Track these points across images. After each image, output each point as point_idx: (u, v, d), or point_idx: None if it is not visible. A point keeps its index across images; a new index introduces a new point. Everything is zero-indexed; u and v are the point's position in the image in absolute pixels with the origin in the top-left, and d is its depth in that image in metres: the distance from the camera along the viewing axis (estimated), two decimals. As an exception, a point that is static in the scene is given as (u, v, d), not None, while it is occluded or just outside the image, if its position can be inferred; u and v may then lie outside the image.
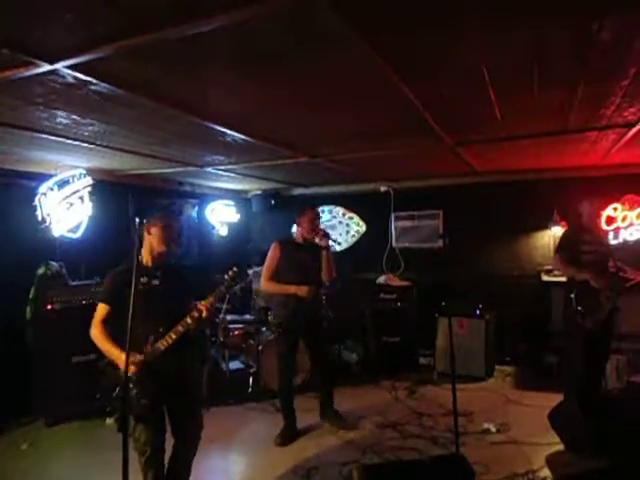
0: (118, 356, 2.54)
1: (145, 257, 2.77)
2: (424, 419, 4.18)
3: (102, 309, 2.70)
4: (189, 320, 2.64)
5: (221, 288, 2.81)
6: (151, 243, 2.74)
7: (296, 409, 4.08)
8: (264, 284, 4.04)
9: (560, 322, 4.46)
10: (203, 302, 2.71)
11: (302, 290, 3.85)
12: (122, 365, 2.34)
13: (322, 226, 4.14)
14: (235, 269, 2.88)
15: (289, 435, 3.95)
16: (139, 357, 2.56)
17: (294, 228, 4.26)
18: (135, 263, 2.29)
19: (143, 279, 2.68)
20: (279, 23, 1.77)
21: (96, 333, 2.67)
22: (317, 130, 3.54)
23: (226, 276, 2.85)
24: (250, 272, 5.97)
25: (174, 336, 2.62)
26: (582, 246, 3.86)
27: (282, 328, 4.02)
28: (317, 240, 3.95)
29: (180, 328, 2.63)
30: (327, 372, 4.24)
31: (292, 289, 3.88)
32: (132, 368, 2.48)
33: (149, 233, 2.73)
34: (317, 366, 4.29)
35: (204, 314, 2.67)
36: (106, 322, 2.69)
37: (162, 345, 2.62)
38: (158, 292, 2.71)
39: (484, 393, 4.88)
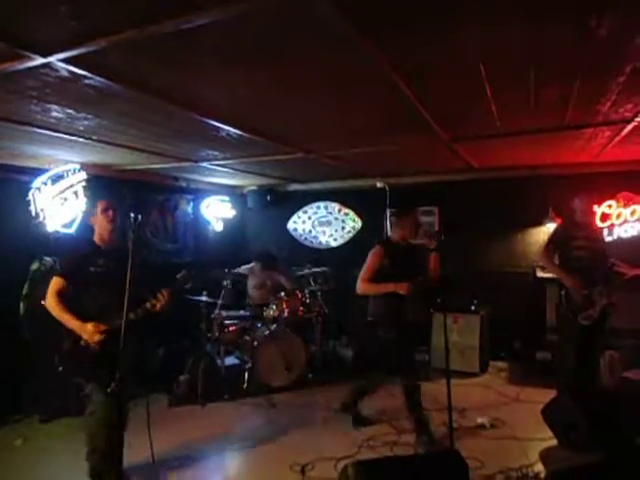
0: (79, 326, 2.82)
1: (98, 241, 3.13)
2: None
3: (59, 282, 2.94)
4: (148, 305, 2.92)
5: (171, 289, 3.07)
6: (98, 227, 3.12)
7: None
8: (361, 285, 3.77)
9: (554, 318, 4.48)
10: (163, 293, 3.00)
11: (402, 287, 3.59)
12: (85, 334, 2.79)
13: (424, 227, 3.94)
14: (184, 272, 3.21)
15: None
16: (103, 327, 2.81)
17: (389, 228, 4.10)
18: (130, 259, 2.29)
19: (100, 261, 3.02)
20: (275, 17, 1.76)
21: (53, 304, 2.89)
22: (312, 125, 3.53)
23: (178, 276, 3.18)
24: (241, 269, 5.96)
25: (133, 317, 2.83)
26: (573, 242, 3.88)
27: (385, 329, 3.74)
28: (425, 241, 3.74)
29: (139, 311, 2.89)
30: (414, 388, 3.74)
31: (391, 286, 3.61)
32: (98, 336, 2.79)
33: (94, 220, 3.12)
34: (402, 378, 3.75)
35: (158, 306, 2.96)
36: (61, 295, 2.92)
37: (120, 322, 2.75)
38: (113, 273, 2.95)
39: (478, 389, 4.91)
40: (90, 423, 2.89)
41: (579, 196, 4.10)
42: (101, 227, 3.14)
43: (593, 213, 4.53)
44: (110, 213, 3.13)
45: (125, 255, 2.86)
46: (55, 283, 2.95)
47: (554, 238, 4.03)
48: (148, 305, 2.94)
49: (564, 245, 3.94)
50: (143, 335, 3.33)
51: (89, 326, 2.81)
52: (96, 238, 3.15)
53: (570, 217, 4.15)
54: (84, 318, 2.87)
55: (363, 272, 3.78)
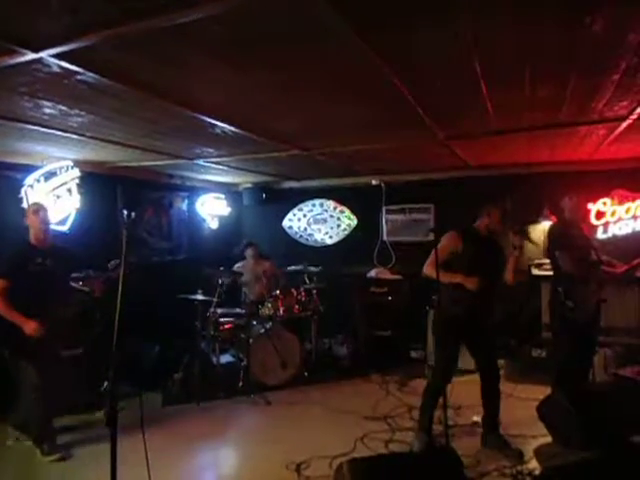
0: (25, 321, 3.27)
1: (33, 240, 3.46)
2: (414, 412, 4.19)
3: (2, 282, 3.30)
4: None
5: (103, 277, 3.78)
6: (32, 228, 3.45)
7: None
8: (427, 268, 3.43)
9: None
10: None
11: (470, 282, 3.28)
12: (28, 328, 3.25)
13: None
14: (116, 261, 3.67)
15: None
16: (44, 325, 3.29)
17: (478, 219, 3.64)
18: (123, 257, 2.27)
19: (38, 259, 3.40)
20: (270, 12, 1.74)
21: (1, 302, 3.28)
22: (308, 122, 3.51)
23: (109, 264, 3.73)
24: (235, 266, 5.97)
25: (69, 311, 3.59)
26: (568, 241, 3.88)
27: (447, 325, 3.48)
28: (510, 237, 3.49)
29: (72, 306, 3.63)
30: (495, 387, 3.61)
31: (458, 278, 3.31)
32: (41, 332, 3.27)
33: (29, 221, 3.45)
34: (487, 378, 3.62)
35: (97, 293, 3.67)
36: (5, 294, 3.30)
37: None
38: (50, 270, 3.44)
39: (474, 386, 4.88)
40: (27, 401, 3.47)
41: (568, 195, 4.09)
42: (35, 228, 3.45)
43: (582, 211, 4.48)
44: (42, 214, 3.46)
45: (60, 253, 3.48)
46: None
47: (556, 239, 4.00)
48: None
49: (562, 244, 3.93)
50: (139, 333, 3.51)
51: (32, 323, 3.27)
52: (32, 238, 3.47)
53: (561, 216, 4.15)
54: (26, 313, 3.29)
55: (432, 255, 3.37)
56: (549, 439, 3.50)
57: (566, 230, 3.99)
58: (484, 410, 3.61)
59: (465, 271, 3.34)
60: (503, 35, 1.99)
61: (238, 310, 5.31)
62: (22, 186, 4.21)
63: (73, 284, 3.79)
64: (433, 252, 3.32)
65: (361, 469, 2.40)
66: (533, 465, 3.21)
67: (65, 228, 4.55)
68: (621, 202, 5.24)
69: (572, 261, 3.85)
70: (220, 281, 5.03)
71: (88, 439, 3.74)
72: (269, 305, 5.19)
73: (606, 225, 5.27)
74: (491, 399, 3.59)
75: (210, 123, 3.30)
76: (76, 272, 4.01)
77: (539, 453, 3.37)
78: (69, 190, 4.52)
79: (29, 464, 3.47)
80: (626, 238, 5.19)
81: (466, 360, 5.23)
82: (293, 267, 5.91)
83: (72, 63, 2.14)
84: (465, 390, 4.71)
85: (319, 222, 6.98)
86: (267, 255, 6.12)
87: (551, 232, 4.13)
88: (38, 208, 3.52)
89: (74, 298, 3.68)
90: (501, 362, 5.52)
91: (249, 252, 5.90)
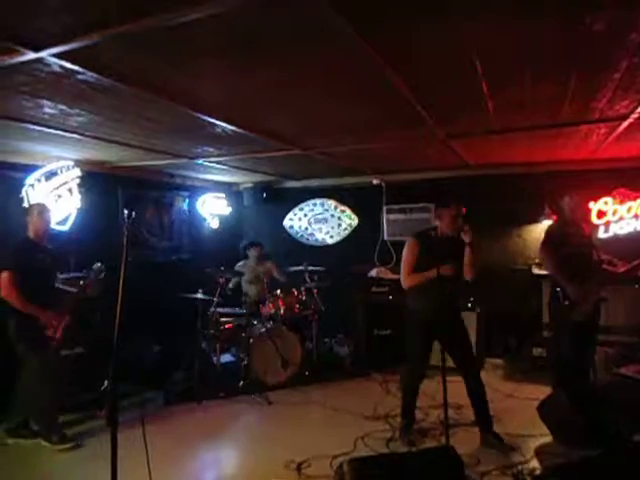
0: (42, 312, 3.50)
1: (34, 237, 3.64)
2: (415, 411, 4.20)
3: (12, 275, 3.43)
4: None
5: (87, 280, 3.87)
6: (33, 227, 3.63)
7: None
8: (405, 280, 3.63)
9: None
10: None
11: (445, 268, 3.37)
12: (46, 318, 3.52)
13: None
14: (99, 264, 3.90)
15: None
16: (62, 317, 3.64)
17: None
18: (124, 257, 2.27)
19: (39, 255, 3.60)
20: (271, 11, 1.74)
21: (15, 296, 3.43)
22: (308, 122, 3.51)
23: (93, 266, 3.89)
24: (237, 266, 5.97)
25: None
26: (566, 239, 3.88)
27: (419, 320, 3.64)
28: (462, 235, 3.56)
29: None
30: (475, 385, 3.63)
31: (433, 272, 3.32)
32: (56, 319, 3.56)
33: (32, 220, 3.62)
34: (466, 375, 3.65)
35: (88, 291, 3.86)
36: (18, 286, 3.43)
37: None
38: (49, 266, 3.69)
39: (474, 385, 4.91)
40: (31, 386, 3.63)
41: (569, 194, 4.08)
42: (37, 226, 3.64)
43: (583, 210, 4.45)
44: (46, 216, 3.70)
45: (55, 251, 3.78)
46: (9, 277, 3.42)
47: (550, 238, 4.01)
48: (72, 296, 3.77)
49: (558, 243, 3.93)
50: (140, 333, 3.57)
51: (49, 313, 3.53)
52: (32, 234, 3.64)
53: (561, 215, 4.14)
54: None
55: (403, 266, 3.64)
56: (550, 438, 3.50)
57: (563, 229, 3.99)
58: (473, 409, 3.65)
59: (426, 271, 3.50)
60: (504, 34, 1.99)
61: (239, 309, 5.31)
62: (23, 186, 4.21)
63: (59, 285, 3.97)
64: (404, 262, 3.64)
65: (362, 469, 2.40)
66: (534, 464, 3.21)
67: (66, 228, 4.56)
68: (622, 201, 5.23)
69: (553, 262, 3.88)
70: (221, 280, 5.04)
71: (88, 438, 3.75)
72: (270, 304, 5.19)
73: (607, 224, 5.26)
74: (475, 396, 3.62)
75: (210, 122, 3.30)
76: (64, 274, 4.19)
77: (540, 452, 3.36)
78: (70, 190, 4.52)
79: (30, 463, 3.48)
80: (627, 237, 5.19)
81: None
82: (294, 267, 5.91)
83: (73, 63, 2.14)
84: (465, 390, 4.72)
85: (320, 222, 6.98)
86: (269, 255, 6.13)
87: (547, 231, 4.13)
88: (43, 209, 3.70)
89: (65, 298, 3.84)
90: (501, 362, 5.55)
91: (252, 252, 5.88)
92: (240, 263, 6.00)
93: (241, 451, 3.69)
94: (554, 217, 5.44)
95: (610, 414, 3.27)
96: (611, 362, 4.63)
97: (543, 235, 4.09)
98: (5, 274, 3.44)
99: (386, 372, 5.22)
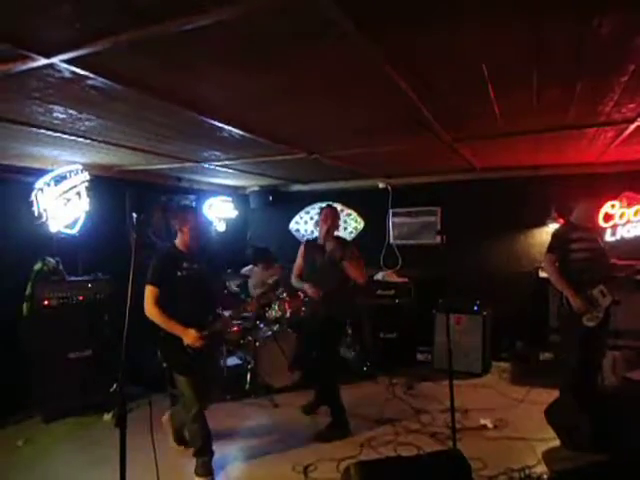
0: (183, 331, 3.06)
1: (181, 246, 3.27)
2: (421, 415, 4.19)
3: (153, 291, 3.09)
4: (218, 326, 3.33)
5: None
6: (185, 236, 3.25)
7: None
8: (293, 280, 4.20)
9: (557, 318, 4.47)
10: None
11: (310, 290, 3.93)
12: (188, 339, 3.05)
13: (338, 233, 4.13)
14: (219, 319, 3.50)
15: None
16: (203, 332, 3.10)
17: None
18: (132, 259, 2.29)
19: (185, 264, 3.20)
20: (277, 17, 1.76)
21: (155, 312, 3.07)
22: (314, 126, 3.53)
23: (215, 323, 3.35)
24: (243, 270, 5.98)
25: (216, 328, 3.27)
26: (571, 244, 3.86)
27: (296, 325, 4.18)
28: (327, 248, 3.89)
29: (218, 327, 3.32)
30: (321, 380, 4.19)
31: (305, 287, 3.99)
32: (200, 341, 3.06)
33: (181, 230, 3.25)
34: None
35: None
36: (158, 302, 3.09)
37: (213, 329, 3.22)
38: (197, 275, 3.25)
39: (481, 389, 4.90)
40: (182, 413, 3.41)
41: (582, 200, 4.05)
42: (188, 236, 3.27)
43: (593, 214, 4.41)
44: (199, 227, 3.35)
45: (203, 257, 3.35)
46: (150, 292, 3.09)
47: (554, 243, 3.99)
48: (218, 326, 3.33)
49: (563, 248, 3.91)
50: (147, 335, 3.46)
51: (192, 332, 3.06)
52: (179, 244, 3.29)
53: (568, 219, 4.11)
54: (181, 322, 3.10)
55: (294, 268, 4.24)
56: (557, 443, 3.48)
57: (566, 234, 3.94)
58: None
59: (307, 277, 4.06)
60: (510, 37, 1.99)
61: (245, 313, 5.32)
62: (33, 190, 4.26)
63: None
64: (295, 265, 4.20)
65: (368, 472, 2.40)
66: (541, 469, 3.19)
67: (74, 231, 4.60)
68: (630, 204, 5.21)
69: (553, 272, 3.88)
70: (227, 283, 5.05)
71: (97, 440, 3.77)
72: (276, 308, 5.19)
73: (614, 227, 5.24)
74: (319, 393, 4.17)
75: (218, 127, 3.32)
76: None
77: (547, 457, 3.34)
78: (78, 193, 4.56)
79: (40, 466, 3.50)
80: (635, 240, 5.16)
81: (470, 363, 5.25)
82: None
83: (83, 68, 2.17)
84: (472, 393, 4.71)
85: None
86: (273, 258, 6.09)
87: (553, 234, 4.12)
88: (198, 219, 3.42)
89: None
90: (507, 366, 5.52)
91: (260, 265, 5.81)
92: (247, 267, 6.01)
93: (248, 453, 3.70)
94: (560, 220, 5.42)
95: (619, 419, 3.25)
96: (620, 367, 4.60)
97: (550, 239, 4.08)
98: (147, 288, 3.11)
99: (392, 375, 5.21)
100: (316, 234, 4.21)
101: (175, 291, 3.13)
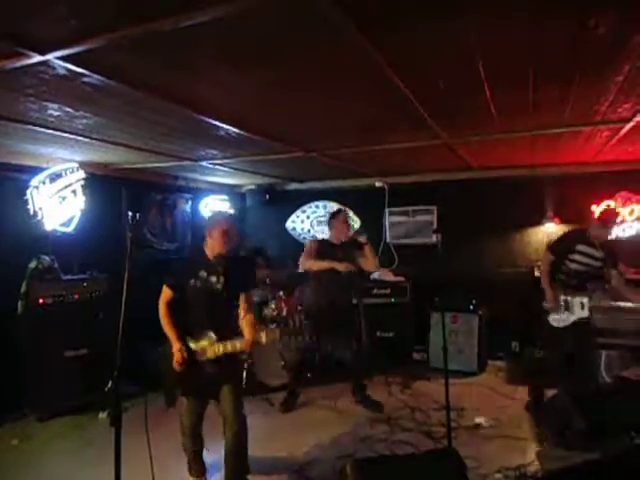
0: (173, 339, 2.95)
1: (207, 250, 3.11)
2: (417, 414, 4.20)
3: (168, 292, 3.05)
4: (238, 345, 2.97)
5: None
6: (214, 242, 3.07)
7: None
8: (305, 262, 4.37)
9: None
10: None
11: (340, 265, 4.18)
12: (174, 350, 2.90)
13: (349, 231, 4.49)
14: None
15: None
16: (185, 355, 2.91)
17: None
18: (128, 258, 2.28)
19: (203, 273, 3.02)
20: (274, 14, 1.75)
21: (161, 312, 3.04)
22: (311, 124, 3.52)
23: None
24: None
25: (222, 350, 2.94)
26: (572, 255, 3.87)
27: (309, 313, 4.46)
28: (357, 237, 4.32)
29: (230, 348, 2.95)
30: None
31: (327, 264, 4.21)
32: (179, 356, 2.89)
33: (210, 236, 3.09)
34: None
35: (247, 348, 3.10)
36: (170, 304, 3.04)
37: (212, 353, 2.96)
38: (210, 289, 3.02)
39: (476, 388, 4.91)
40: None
41: (600, 221, 3.95)
42: (217, 243, 3.07)
43: (604, 236, 4.05)
44: (230, 235, 3.13)
45: (230, 263, 3.07)
46: (163, 292, 3.07)
47: (558, 246, 3.98)
48: (238, 345, 2.98)
49: (562, 255, 3.92)
50: (143, 334, 3.39)
51: (178, 344, 2.93)
52: (207, 249, 3.13)
53: (581, 230, 4.04)
54: (183, 330, 3.00)
55: (304, 254, 4.49)
56: (551, 442, 3.50)
57: (573, 243, 3.93)
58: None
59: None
60: (506, 36, 2.00)
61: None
62: (28, 187, 4.24)
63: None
64: (305, 251, 4.50)
65: (364, 470, 2.40)
66: (535, 467, 3.21)
67: (70, 230, 4.58)
68: (625, 204, 5.23)
69: (546, 265, 3.95)
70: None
71: (92, 439, 3.76)
72: (272, 306, 5.19)
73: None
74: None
75: (214, 125, 3.31)
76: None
77: (541, 456, 3.36)
78: (74, 192, 4.54)
79: (36, 464, 3.49)
80: (630, 240, 5.18)
81: (465, 362, 5.26)
82: (296, 268, 5.91)
83: (78, 65, 2.15)
84: (467, 392, 4.72)
85: (322, 224, 6.97)
86: (268, 258, 6.10)
87: (561, 236, 4.16)
88: (228, 230, 3.13)
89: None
90: (503, 364, 5.54)
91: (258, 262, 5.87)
92: None
93: (243, 453, 3.69)
94: (556, 220, 5.44)
95: (612, 418, 3.26)
96: (614, 365, 4.62)
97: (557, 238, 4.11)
98: (163, 288, 3.08)
99: (388, 374, 5.22)
100: (315, 234, 4.39)
101: (186, 299, 3.05)
